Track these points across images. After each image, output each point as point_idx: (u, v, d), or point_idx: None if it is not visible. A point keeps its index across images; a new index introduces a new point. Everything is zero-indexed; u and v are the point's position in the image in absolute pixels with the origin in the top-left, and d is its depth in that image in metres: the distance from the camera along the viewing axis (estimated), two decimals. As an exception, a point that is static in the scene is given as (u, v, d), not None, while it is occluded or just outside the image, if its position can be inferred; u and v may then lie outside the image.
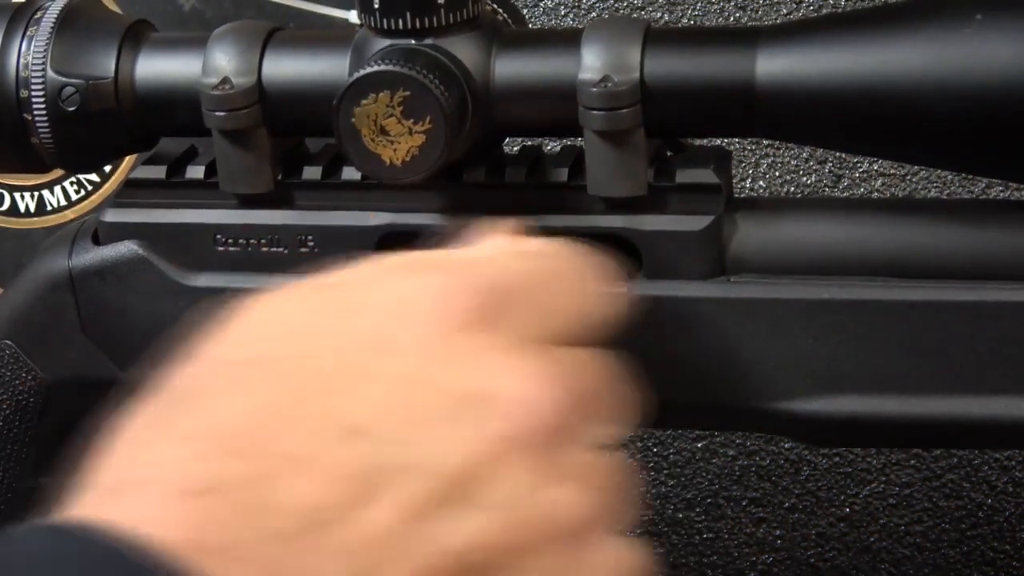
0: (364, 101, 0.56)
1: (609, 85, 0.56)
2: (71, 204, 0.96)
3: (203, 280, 0.62)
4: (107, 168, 0.95)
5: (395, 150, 0.57)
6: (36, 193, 0.96)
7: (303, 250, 0.61)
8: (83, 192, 0.96)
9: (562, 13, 0.90)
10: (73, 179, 0.96)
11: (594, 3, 0.89)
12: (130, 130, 0.62)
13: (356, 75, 0.56)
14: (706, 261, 0.58)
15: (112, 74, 0.61)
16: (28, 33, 0.61)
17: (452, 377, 0.45)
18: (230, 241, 0.62)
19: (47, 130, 0.61)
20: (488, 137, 0.60)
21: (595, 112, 0.56)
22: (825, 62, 0.56)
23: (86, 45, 0.62)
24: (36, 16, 0.62)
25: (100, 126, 0.62)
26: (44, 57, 0.61)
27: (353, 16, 0.92)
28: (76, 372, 0.65)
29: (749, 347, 0.58)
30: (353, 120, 0.56)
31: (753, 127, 0.58)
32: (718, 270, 0.58)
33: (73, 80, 0.61)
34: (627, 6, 0.89)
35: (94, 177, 0.96)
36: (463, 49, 0.58)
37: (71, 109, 0.61)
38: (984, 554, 0.91)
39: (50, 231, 0.96)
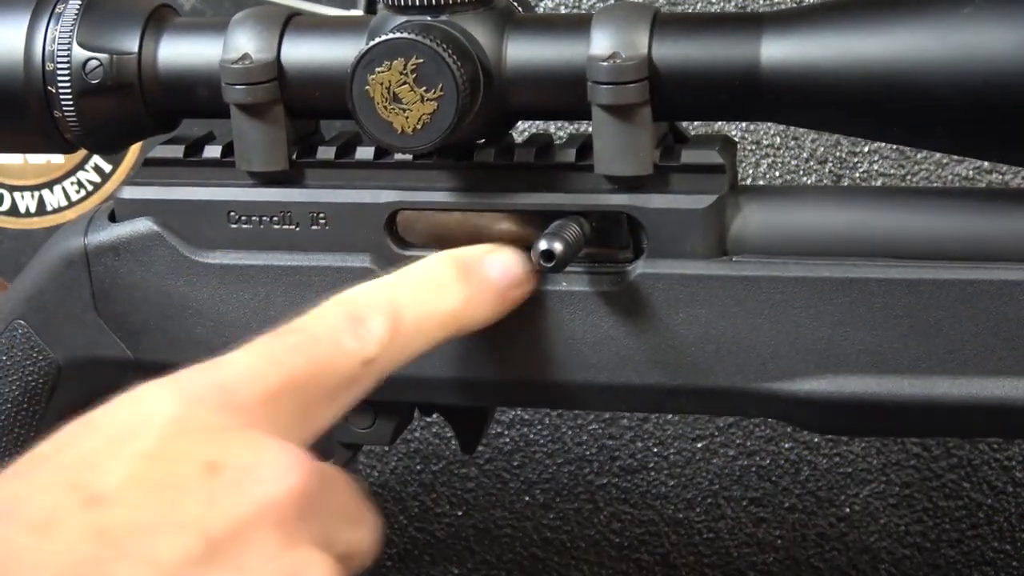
0: (379, 69, 0.57)
1: (617, 60, 0.57)
2: (71, 204, 0.96)
3: (215, 257, 0.63)
4: (107, 168, 0.95)
5: (407, 118, 0.58)
6: (36, 193, 0.96)
7: (315, 227, 0.62)
8: (83, 192, 0.96)
9: (562, 12, 0.90)
10: (73, 179, 0.96)
11: (594, 2, 0.90)
12: (151, 109, 0.63)
13: (372, 43, 0.57)
14: (709, 240, 0.59)
15: (136, 51, 0.62)
16: (56, 10, 0.63)
17: (204, 450, 0.47)
18: (243, 218, 0.63)
19: (70, 103, 0.62)
20: (498, 118, 0.61)
21: (603, 86, 0.57)
22: (828, 46, 0.56)
23: (112, 23, 0.63)
24: (57, 10, 0.63)
25: (122, 102, 0.63)
26: (71, 33, 0.62)
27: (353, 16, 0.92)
28: (86, 352, 0.65)
29: (751, 326, 0.59)
30: (367, 88, 0.58)
31: (758, 110, 0.59)
32: (721, 250, 0.59)
33: (97, 55, 0.62)
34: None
35: (94, 177, 0.96)
36: (476, 27, 0.59)
37: (94, 82, 0.62)
38: (984, 554, 0.91)
39: (50, 231, 0.96)
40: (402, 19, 0.59)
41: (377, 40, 0.57)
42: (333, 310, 0.54)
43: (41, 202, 0.96)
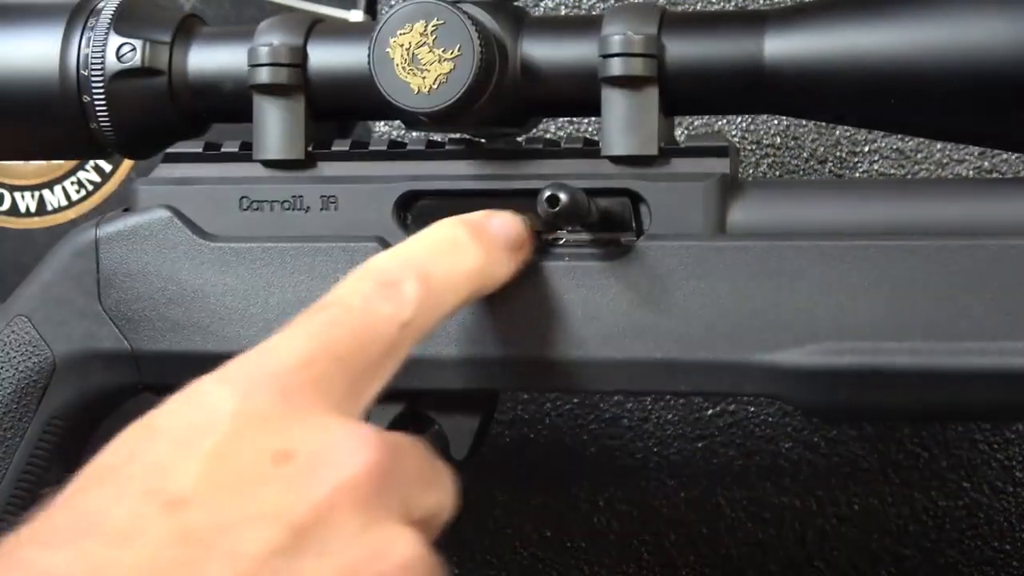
0: (400, 31, 0.60)
1: (628, 35, 0.60)
2: (71, 204, 0.96)
3: (225, 243, 0.65)
4: (108, 168, 0.95)
5: (424, 78, 0.60)
6: (36, 193, 0.96)
7: (325, 212, 0.64)
8: (83, 192, 0.96)
9: (562, 13, 0.90)
10: (74, 179, 0.96)
11: (594, 3, 0.90)
12: (179, 105, 0.66)
13: (396, 8, 0.60)
14: (711, 217, 0.61)
15: (167, 56, 0.65)
16: (89, 23, 0.66)
17: (270, 440, 0.48)
18: (255, 204, 0.65)
19: (100, 89, 0.65)
20: (510, 110, 0.63)
21: (612, 58, 0.60)
22: (829, 38, 0.58)
23: (143, 31, 0.66)
24: (97, 7, 0.66)
25: (154, 109, 0.65)
26: (108, 24, 0.65)
27: (353, 16, 0.92)
28: (84, 345, 0.66)
29: (751, 296, 0.60)
30: (387, 50, 0.60)
31: (761, 103, 0.61)
32: (721, 228, 0.61)
33: (132, 40, 0.65)
34: (628, 6, 0.89)
35: (95, 177, 0.96)
36: (494, 15, 0.62)
37: (126, 64, 0.65)
38: (984, 554, 0.91)
39: (50, 231, 0.96)
40: None
41: (401, 6, 0.59)
42: (363, 279, 0.55)
43: (41, 202, 0.96)
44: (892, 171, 0.88)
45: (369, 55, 0.60)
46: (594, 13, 0.66)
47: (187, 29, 0.66)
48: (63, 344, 0.66)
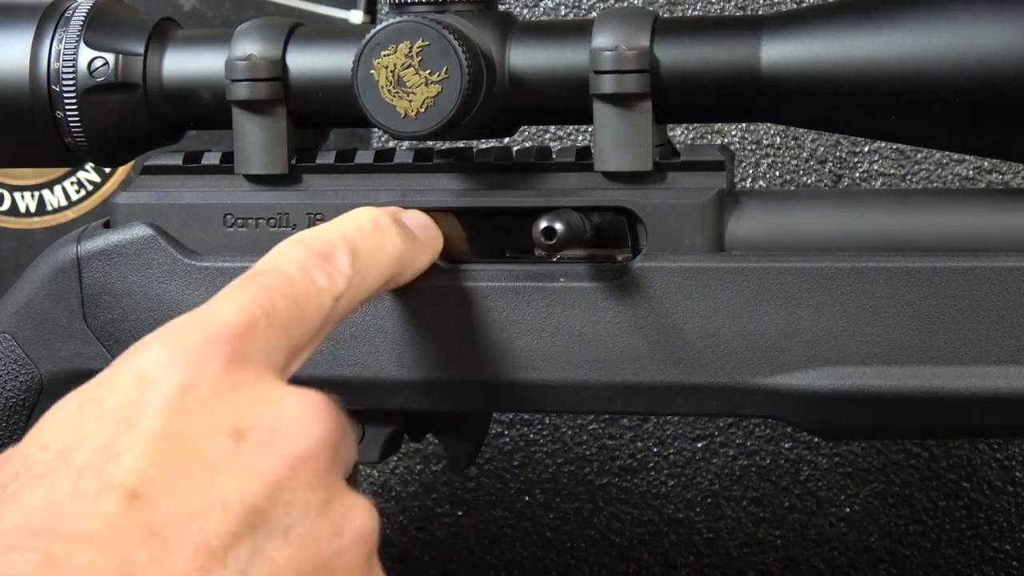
0: (384, 52, 0.58)
1: (620, 49, 0.58)
2: (71, 204, 0.96)
3: (210, 261, 0.63)
4: (108, 168, 0.95)
5: (411, 101, 0.58)
6: (36, 193, 0.96)
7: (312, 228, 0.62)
8: (83, 192, 0.96)
9: (562, 13, 0.90)
10: (73, 179, 0.96)
11: (594, 3, 0.90)
12: (155, 115, 0.63)
13: (378, 27, 0.58)
14: (708, 235, 0.59)
15: (140, 66, 0.63)
16: (59, 30, 0.63)
17: (225, 417, 0.46)
18: (239, 221, 0.63)
19: (73, 103, 0.62)
20: (500, 119, 0.61)
21: (605, 75, 0.58)
22: (827, 46, 0.57)
23: (115, 39, 0.63)
24: (66, 15, 0.63)
25: (127, 119, 0.63)
26: (78, 34, 0.62)
27: (353, 16, 0.92)
28: (71, 365, 0.65)
29: (750, 319, 0.59)
30: (372, 72, 0.58)
31: (758, 111, 0.59)
32: (719, 245, 0.59)
33: (104, 53, 0.62)
34: (627, 5, 0.89)
35: (94, 177, 0.96)
36: (479, 27, 0.60)
37: (99, 79, 0.62)
38: (984, 554, 0.91)
39: (50, 231, 0.96)
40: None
41: (383, 24, 0.57)
42: (299, 249, 0.53)
43: (41, 202, 0.96)
44: (892, 171, 0.88)
45: (353, 75, 0.58)
46: (585, 17, 0.63)
47: (161, 35, 0.64)
48: (49, 364, 0.65)
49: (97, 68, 0.62)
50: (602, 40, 0.58)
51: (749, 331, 0.59)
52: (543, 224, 0.57)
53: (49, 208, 0.96)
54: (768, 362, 0.59)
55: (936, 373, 0.57)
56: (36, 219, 0.96)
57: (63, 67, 0.62)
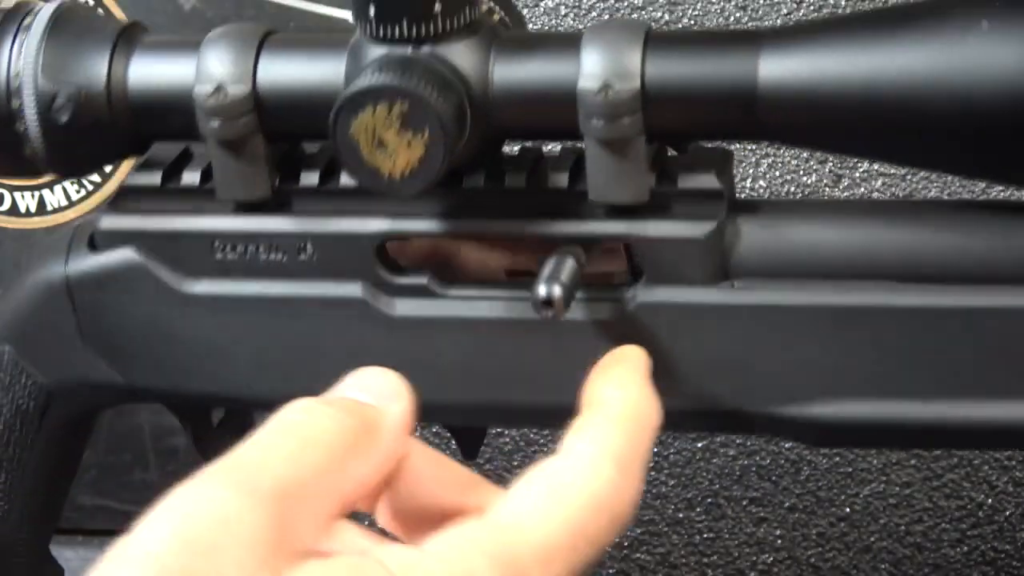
0: (361, 113, 0.55)
1: (610, 94, 0.55)
2: (71, 204, 0.96)
3: (201, 287, 0.62)
4: (108, 168, 0.95)
5: (394, 162, 0.56)
6: (36, 193, 0.96)
7: (302, 257, 0.61)
8: (84, 192, 0.96)
9: (562, 13, 0.90)
10: (74, 179, 0.96)
11: (594, 3, 0.89)
12: (123, 136, 0.61)
13: (352, 89, 0.55)
14: (709, 266, 0.58)
15: (104, 81, 0.60)
16: (18, 39, 0.60)
17: None
18: (228, 247, 0.61)
19: (39, 138, 0.60)
20: (488, 142, 0.59)
21: (596, 121, 0.56)
22: (828, 66, 0.55)
23: (77, 51, 0.60)
24: (25, 23, 0.61)
25: (93, 134, 0.60)
26: (35, 64, 0.60)
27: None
28: (76, 377, 0.64)
29: (754, 353, 0.58)
30: (351, 132, 0.55)
31: (755, 132, 0.58)
32: (721, 275, 0.58)
33: (64, 89, 0.60)
34: (627, 6, 0.89)
35: (95, 177, 0.96)
36: (461, 55, 0.57)
37: (63, 119, 0.60)
38: (984, 554, 0.91)
39: (50, 231, 0.96)
40: (383, 51, 0.57)
41: (357, 87, 0.55)
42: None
43: (41, 202, 0.96)
44: (892, 170, 0.88)
45: (332, 137, 0.55)
46: (572, 32, 0.59)
47: (127, 44, 0.60)
48: (53, 374, 0.64)
49: (59, 108, 0.59)
50: (590, 72, 0.56)
51: (753, 364, 0.58)
52: (540, 293, 0.55)
53: (49, 208, 0.96)
54: (771, 395, 0.58)
55: (939, 407, 0.57)
56: (36, 219, 0.96)
57: (24, 105, 0.60)
